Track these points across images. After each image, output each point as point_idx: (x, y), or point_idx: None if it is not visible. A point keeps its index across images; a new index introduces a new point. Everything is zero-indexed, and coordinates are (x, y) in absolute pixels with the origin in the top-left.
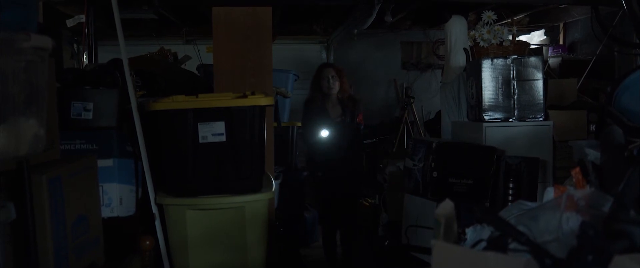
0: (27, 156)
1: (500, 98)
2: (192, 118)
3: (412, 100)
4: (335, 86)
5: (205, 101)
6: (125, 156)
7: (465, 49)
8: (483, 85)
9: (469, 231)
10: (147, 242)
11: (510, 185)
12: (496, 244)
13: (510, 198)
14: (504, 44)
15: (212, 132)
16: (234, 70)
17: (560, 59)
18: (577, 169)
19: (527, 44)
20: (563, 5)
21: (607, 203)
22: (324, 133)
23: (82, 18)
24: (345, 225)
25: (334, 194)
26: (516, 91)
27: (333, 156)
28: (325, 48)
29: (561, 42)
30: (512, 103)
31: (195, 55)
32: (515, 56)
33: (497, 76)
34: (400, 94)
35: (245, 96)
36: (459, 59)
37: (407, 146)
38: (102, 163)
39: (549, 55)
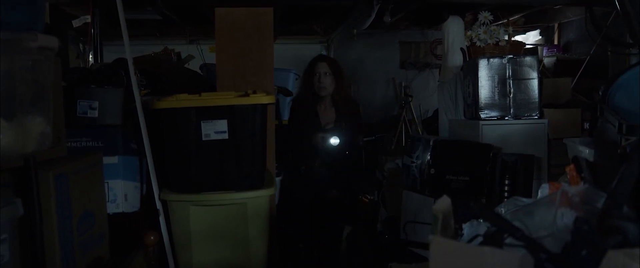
0: (34, 153)
1: (497, 97)
2: (195, 116)
3: (410, 99)
4: (328, 85)
5: (208, 99)
6: (130, 153)
7: (462, 49)
8: (480, 84)
9: (466, 227)
10: (152, 237)
11: (506, 182)
12: (492, 239)
13: (506, 194)
14: (500, 44)
15: (215, 130)
16: (236, 69)
17: (555, 58)
18: (572, 166)
19: (522, 44)
20: (558, 6)
21: (601, 199)
22: (335, 141)
23: (88, 18)
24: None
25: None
26: (512, 90)
27: (320, 174)
28: (325, 48)
29: (556, 42)
30: (508, 102)
31: (198, 55)
32: (511, 56)
33: (493, 75)
34: (398, 92)
35: (247, 95)
36: (456, 59)
37: (406, 144)
38: (108, 160)
39: (544, 55)
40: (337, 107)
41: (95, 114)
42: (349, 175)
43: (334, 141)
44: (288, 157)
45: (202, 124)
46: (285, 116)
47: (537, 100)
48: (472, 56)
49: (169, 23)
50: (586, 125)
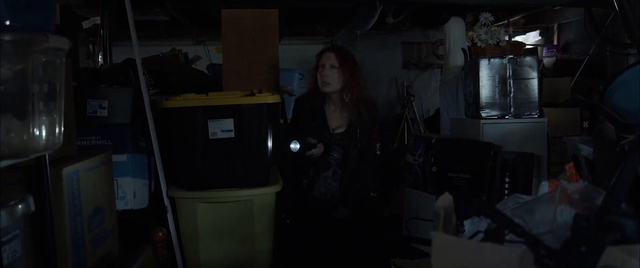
0: (46, 152)
1: (497, 96)
2: (203, 115)
3: (412, 98)
4: (334, 80)
5: (215, 99)
6: (138, 151)
7: (463, 49)
8: (480, 84)
9: (467, 224)
10: (160, 234)
11: (507, 179)
12: (493, 235)
13: (506, 191)
14: (500, 44)
15: (222, 128)
16: (242, 69)
17: (554, 58)
18: (571, 164)
19: (522, 44)
20: (557, 7)
21: (600, 196)
22: (295, 146)
23: (97, 20)
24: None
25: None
26: (512, 89)
27: (323, 189)
28: None
29: (555, 43)
30: (508, 101)
31: (205, 55)
32: (512, 56)
33: (494, 75)
34: (401, 92)
35: (253, 94)
36: (458, 59)
37: (408, 142)
38: (117, 158)
39: (544, 55)
40: (349, 110)
41: (105, 113)
42: (362, 189)
43: (294, 146)
44: (285, 166)
45: (209, 123)
46: (290, 116)
47: (536, 99)
48: (473, 56)
49: (176, 24)
50: (585, 124)
